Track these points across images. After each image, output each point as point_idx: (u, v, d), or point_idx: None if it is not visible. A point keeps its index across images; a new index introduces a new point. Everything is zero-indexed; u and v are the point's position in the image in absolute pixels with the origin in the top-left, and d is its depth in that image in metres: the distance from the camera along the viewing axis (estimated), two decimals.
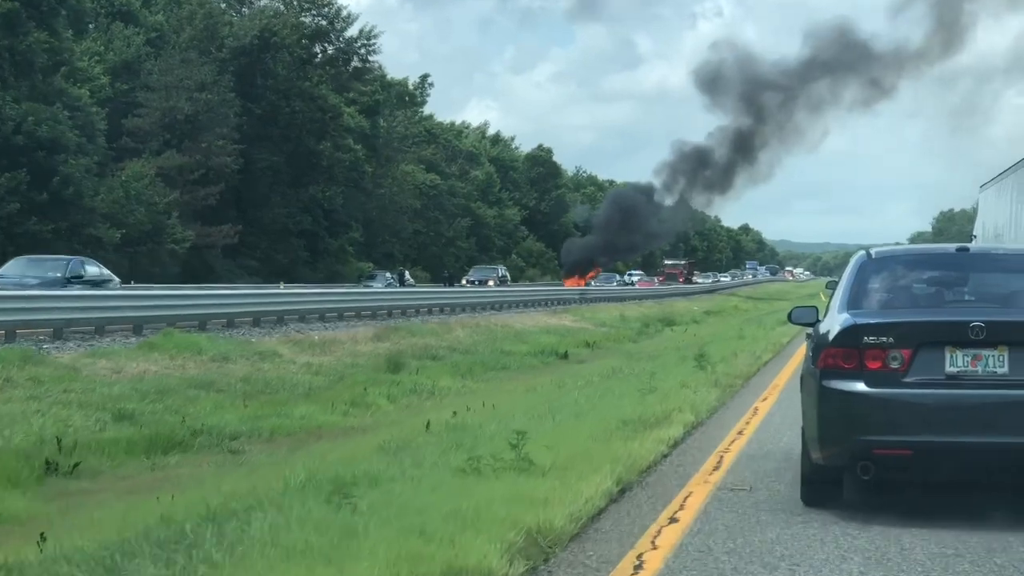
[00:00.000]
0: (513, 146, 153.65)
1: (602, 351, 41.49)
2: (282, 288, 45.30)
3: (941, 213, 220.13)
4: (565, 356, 37.89)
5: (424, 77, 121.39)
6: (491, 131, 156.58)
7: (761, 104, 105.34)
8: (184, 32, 78.15)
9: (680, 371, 21.20)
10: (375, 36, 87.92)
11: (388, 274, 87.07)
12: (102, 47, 74.27)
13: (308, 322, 39.69)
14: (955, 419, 9.19)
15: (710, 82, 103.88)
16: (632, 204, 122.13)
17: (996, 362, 9.25)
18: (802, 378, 10.56)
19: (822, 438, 9.63)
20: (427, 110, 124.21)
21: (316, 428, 18.87)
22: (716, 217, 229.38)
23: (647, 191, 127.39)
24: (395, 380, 25.75)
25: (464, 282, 76.63)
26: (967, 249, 10.87)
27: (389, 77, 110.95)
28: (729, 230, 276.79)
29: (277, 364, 27.77)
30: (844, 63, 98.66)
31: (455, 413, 16.98)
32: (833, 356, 9.54)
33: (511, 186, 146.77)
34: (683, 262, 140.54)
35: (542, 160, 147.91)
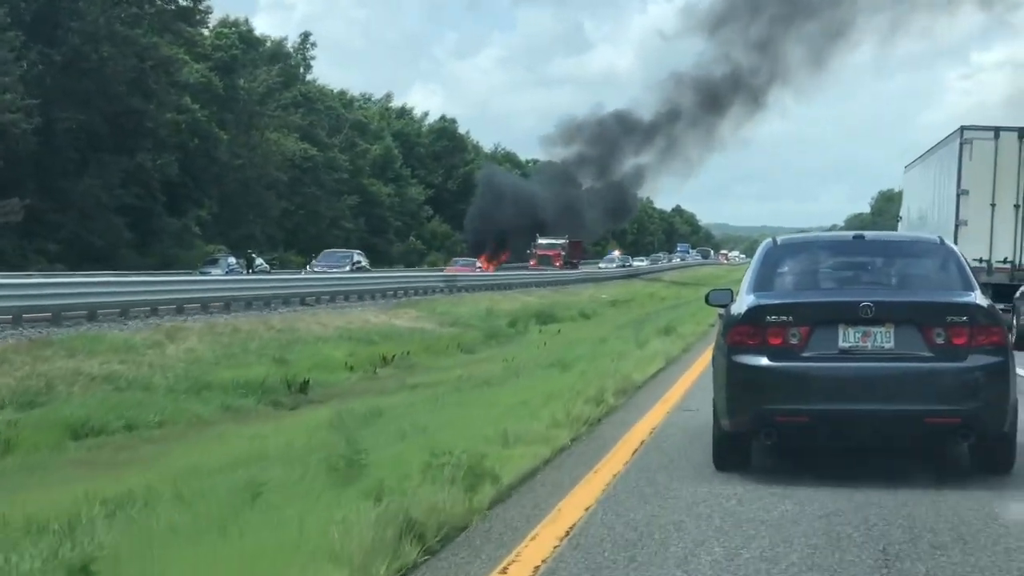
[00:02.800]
0: (419, 120, 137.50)
1: (386, 377, 26.41)
2: None
3: (880, 193, 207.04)
4: (303, 390, 22.81)
5: (305, 36, 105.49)
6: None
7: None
8: None
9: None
10: None
11: (232, 259, 71.43)
12: None
13: None
14: (848, 389, 9.77)
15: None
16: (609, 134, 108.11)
17: (883, 338, 9.82)
18: (713, 355, 10.90)
19: (730, 408, 10.11)
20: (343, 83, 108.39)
21: None
22: (647, 199, 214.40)
23: (625, 121, 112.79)
24: None
25: None
26: (863, 236, 11.47)
27: (258, 33, 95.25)
28: (661, 212, 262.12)
29: None
30: None
31: None
32: (740, 333, 10.03)
33: (416, 163, 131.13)
34: (561, 241, 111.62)
35: (447, 133, 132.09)
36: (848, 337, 9.84)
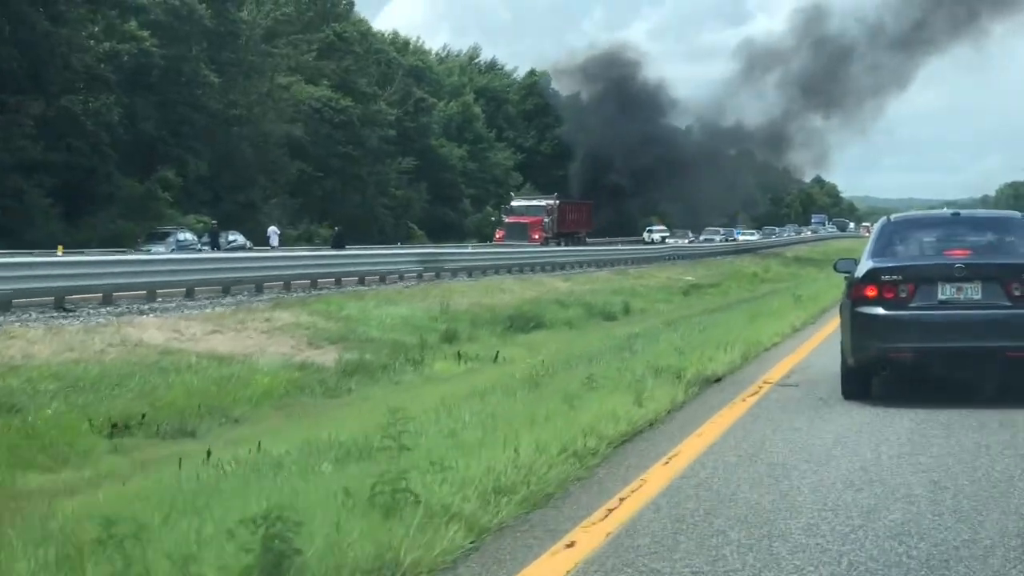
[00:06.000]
0: (509, 75, 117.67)
1: None
2: None
3: None
4: None
5: None
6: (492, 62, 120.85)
7: None
8: None
9: None
10: None
11: (187, 234, 52.74)
12: None
13: None
14: (945, 331, 11.81)
15: None
16: None
17: (973, 291, 11.89)
18: (840, 307, 13.02)
19: (854, 347, 12.14)
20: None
21: None
22: (784, 168, 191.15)
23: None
24: None
25: None
26: (959, 214, 13.96)
27: None
28: (799, 183, 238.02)
29: None
30: None
31: None
32: (860, 289, 12.16)
33: (504, 123, 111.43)
34: (545, 203, 75.16)
35: (537, 89, 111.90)
36: (945, 291, 11.91)
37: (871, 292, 11.98)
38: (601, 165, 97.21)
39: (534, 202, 76.50)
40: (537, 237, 70.38)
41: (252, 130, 66.55)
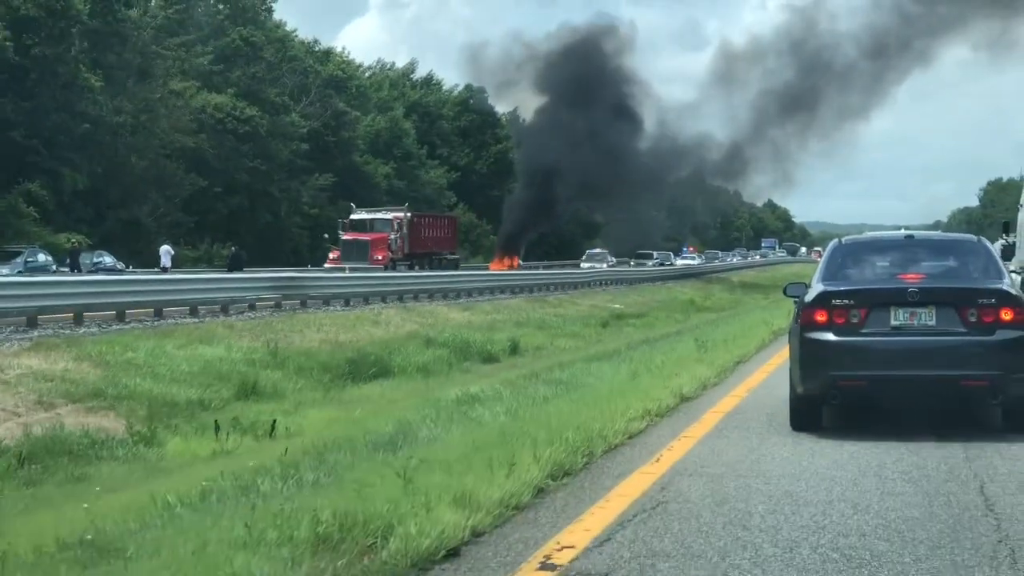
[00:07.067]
0: (447, 91, 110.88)
1: None
2: None
3: (989, 184, 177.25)
4: None
5: None
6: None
7: None
8: None
9: None
10: None
11: (39, 254, 45.70)
12: None
13: None
14: (898, 358, 11.31)
15: None
16: None
17: (927, 317, 11.36)
18: (789, 332, 12.50)
19: (803, 375, 11.64)
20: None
21: None
22: (735, 192, 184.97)
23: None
24: None
25: None
26: (912, 236, 13.07)
27: None
28: (751, 207, 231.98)
29: None
30: None
31: None
32: (810, 314, 11.56)
33: (439, 140, 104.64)
34: (393, 216, 62.16)
35: (474, 106, 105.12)
36: (898, 317, 11.35)
37: (821, 317, 11.58)
38: (543, 182, 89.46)
39: (379, 215, 63.89)
40: (380, 258, 58.99)
41: (142, 140, 59.62)
